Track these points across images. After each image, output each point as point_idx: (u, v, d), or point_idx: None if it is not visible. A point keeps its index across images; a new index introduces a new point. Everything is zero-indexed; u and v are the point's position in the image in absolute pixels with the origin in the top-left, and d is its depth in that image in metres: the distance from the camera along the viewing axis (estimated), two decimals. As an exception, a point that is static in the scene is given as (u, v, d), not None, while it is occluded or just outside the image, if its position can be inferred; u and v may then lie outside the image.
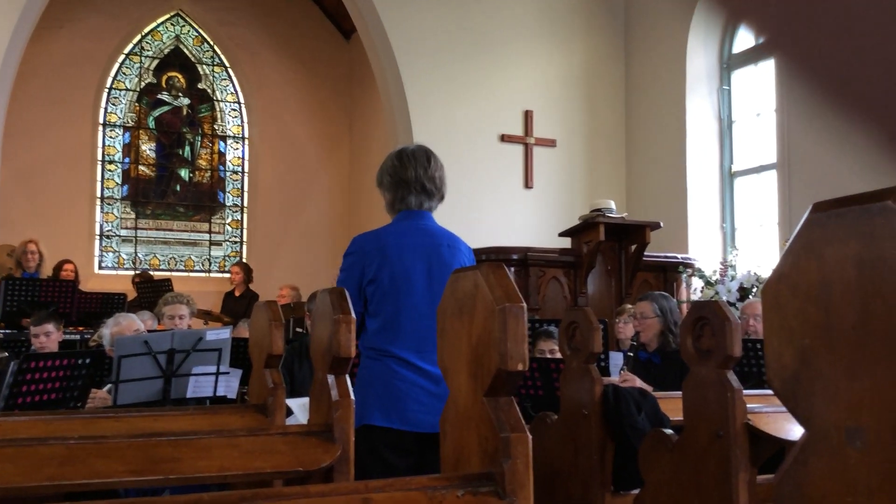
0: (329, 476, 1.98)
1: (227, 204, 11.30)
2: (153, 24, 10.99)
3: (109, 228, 10.71)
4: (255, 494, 1.08)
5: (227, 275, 10.20)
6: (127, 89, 10.88)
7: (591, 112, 8.43)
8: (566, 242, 6.70)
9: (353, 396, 2.10)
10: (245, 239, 11.26)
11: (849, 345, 0.77)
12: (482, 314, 1.31)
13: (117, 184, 10.80)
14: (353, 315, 2.08)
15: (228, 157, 11.32)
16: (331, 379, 2.08)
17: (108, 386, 3.75)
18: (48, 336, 4.45)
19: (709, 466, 2.62)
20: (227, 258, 11.14)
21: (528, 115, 8.17)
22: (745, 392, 2.61)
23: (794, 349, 0.81)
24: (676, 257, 6.82)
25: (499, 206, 7.89)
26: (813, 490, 0.82)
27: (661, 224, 6.48)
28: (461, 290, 1.38)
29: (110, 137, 10.77)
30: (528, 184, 8.13)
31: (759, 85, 7.48)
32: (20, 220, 9.29)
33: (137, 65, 10.93)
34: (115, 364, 3.46)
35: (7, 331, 6.07)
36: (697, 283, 6.77)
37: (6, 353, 3.72)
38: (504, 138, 8.07)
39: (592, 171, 8.37)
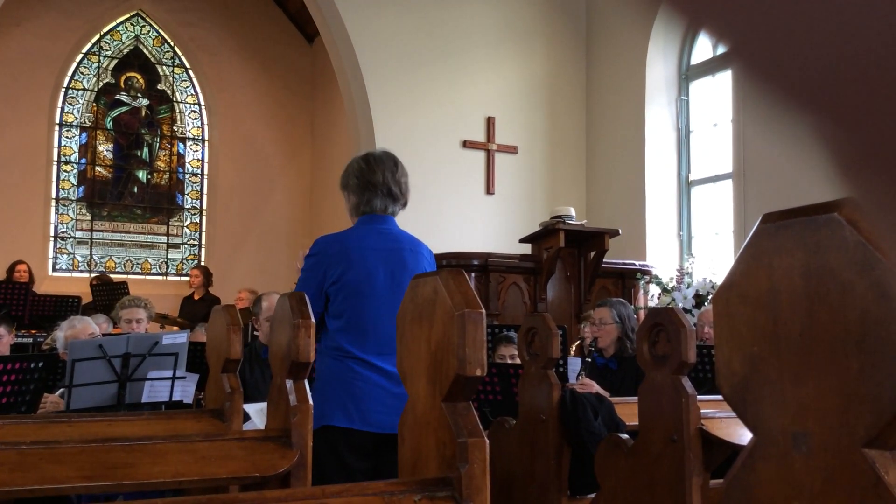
0: (286, 481, 1.97)
1: (186, 206, 11.16)
2: (112, 24, 10.82)
3: (64, 230, 10.50)
4: (210, 500, 1.08)
5: (185, 278, 10.08)
6: (84, 89, 10.69)
7: (553, 119, 8.51)
8: (527, 248, 6.75)
9: (311, 401, 2.10)
10: (203, 242, 11.13)
11: (795, 352, 0.80)
12: (441, 320, 1.32)
13: (73, 185, 10.60)
14: (313, 320, 2.08)
15: (187, 159, 11.19)
16: (289, 384, 2.08)
17: (61, 390, 3.69)
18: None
19: (663, 471, 2.66)
20: (184, 261, 11.00)
21: (490, 122, 8.22)
22: (700, 398, 2.66)
23: (744, 356, 0.84)
24: (634, 264, 6.91)
25: (460, 212, 7.92)
26: (761, 494, 0.84)
27: (620, 231, 6.57)
28: (421, 296, 1.38)
29: (66, 138, 10.57)
30: (489, 190, 8.17)
31: (716, 95, 7.62)
32: (-29, 221, 9.08)
33: (95, 64, 10.75)
34: (69, 368, 3.40)
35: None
36: (655, 289, 6.86)
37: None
38: (466, 144, 8.10)
39: (553, 177, 8.45)
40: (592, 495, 2.96)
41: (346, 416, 2.51)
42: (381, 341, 2.56)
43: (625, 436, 2.82)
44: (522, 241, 6.72)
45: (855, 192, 0.33)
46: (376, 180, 2.70)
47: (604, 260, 6.52)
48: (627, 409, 3.34)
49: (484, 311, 1.31)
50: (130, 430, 2.27)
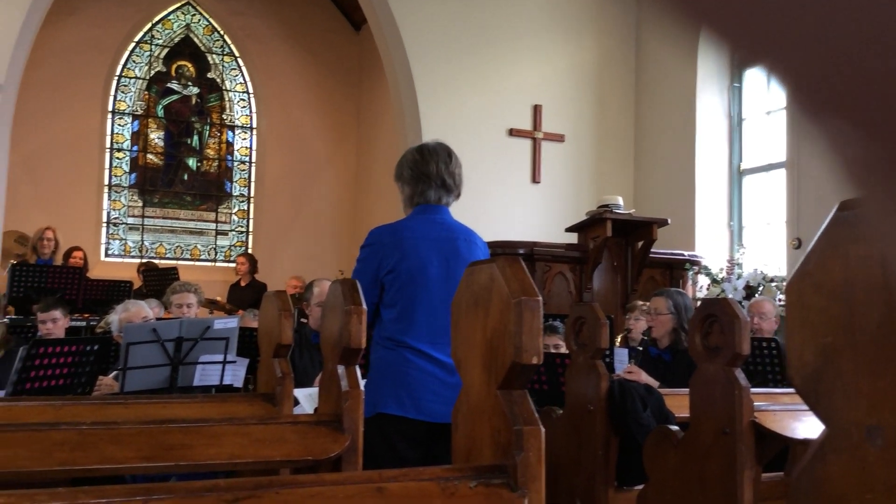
0: (337, 466, 1.99)
1: (234, 194, 11.30)
2: (164, 13, 10.98)
3: (116, 216, 10.73)
4: (270, 482, 1.09)
5: (233, 264, 10.22)
6: (136, 77, 10.88)
7: (601, 107, 8.42)
8: (572, 238, 6.70)
9: (362, 387, 2.11)
10: (251, 229, 11.28)
11: (871, 343, 0.77)
12: (497, 307, 1.32)
13: (125, 172, 10.81)
14: (365, 306, 2.08)
15: (236, 146, 11.33)
16: (341, 369, 2.09)
17: (115, 372, 3.77)
18: (55, 322, 4.46)
19: (714, 463, 2.62)
20: (232, 248, 11.16)
21: (536, 110, 8.16)
22: (752, 390, 2.61)
23: (817, 347, 0.82)
24: (683, 254, 6.81)
25: (506, 201, 7.88)
26: (831, 487, 0.82)
27: (669, 221, 6.47)
28: (476, 283, 1.38)
29: (119, 125, 10.78)
30: (535, 178, 8.12)
31: (770, 83, 7.45)
32: (28, 207, 9.31)
33: (147, 53, 10.93)
34: (124, 351, 3.47)
35: (14, 316, 6.08)
36: (704, 280, 6.77)
37: (6, 319, 3.73)
38: (512, 132, 8.06)
39: (600, 166, 8.36)
40: (640, 486, 2.94)
41: (399, 404, 2.52)
42: (434, 331, 2.56)
43: (674, 427, 2.79)
44: (569, 230, 6.67)
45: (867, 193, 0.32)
46: (430, 171, 2.71)
47: (652, 250, 6.43)
48: (677, 401, 3.31)
49: (541, 298, 1.30)
50: (185, 412, 2.31)
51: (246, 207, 11.32)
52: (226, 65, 11.28)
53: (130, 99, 10.85)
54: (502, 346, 1.30)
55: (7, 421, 2.11)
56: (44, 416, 2.22)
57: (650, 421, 3.08)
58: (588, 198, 7.82)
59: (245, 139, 11.35)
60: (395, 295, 2.62)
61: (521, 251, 6.24)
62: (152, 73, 10.96)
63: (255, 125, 11.33)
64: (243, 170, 11.34)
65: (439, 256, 2.65)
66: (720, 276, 6.62)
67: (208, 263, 11.03)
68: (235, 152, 11.32)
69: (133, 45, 10.82)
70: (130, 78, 10.84)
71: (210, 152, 11.25)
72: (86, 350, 3.45)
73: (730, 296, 6.22)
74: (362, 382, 2.13)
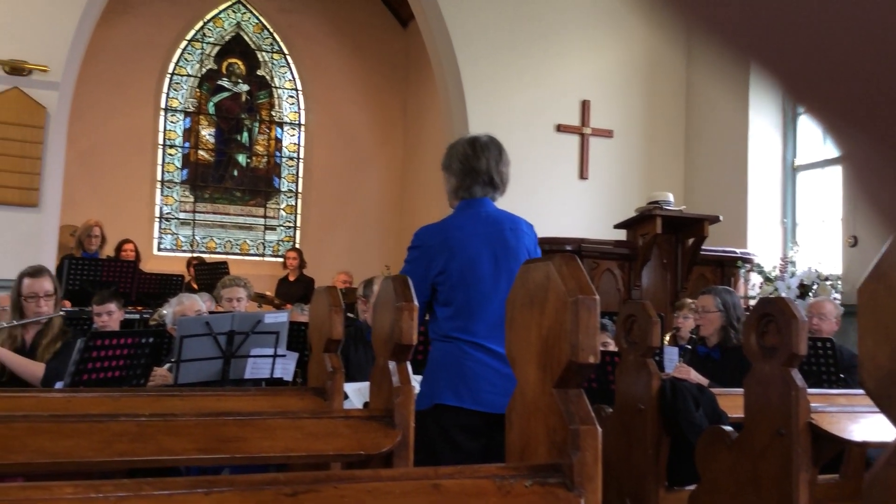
0: (389, 461, 2.00)
1: (283, 189, 11.43)
2: (215, 11, 11.15)
3: (169, 211, 10.93)
4: (328, 476, 1.10)
5: (280, 259, 10.34)
6: (188, 75, 11.06)
7: (651, 102, 8.31)
8: (621, 234, 6.63)
9: (414, 383, 2.12)
10: (299, 224, 11.39)
11: (949, 347, 0.75)
12: (553, 305, 1.31)
13: (177, 168, 11.01)
14: (416, 303, 2.09)
15: (284, 143, 11.45)
16: (392, 365, 2.10)
17: (168, 364, 3.84)
18: (110, 315, 4.55)
19: (769, 465, 2.58)
20: (280, 243, 11.29)
21: (585, 105, 8.09)
22: (809, 391, 2.56)
23: (892, 350, 0.79)
24: (735, 252, 6.69)
25: (553, 197, 7.84)
26: (904, 494, 0.79)
27: (721, 218, 6.36)
28: (532, 281, 1.37)
29: (171, 122, 10.98)
30: (583, 174, 8.06)
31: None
32: (83, 202, 9.52)
33: (199, 51, 11.11)
34: (178, 343, 3.53)
35: (69, 309, 6.23)
36: (756, 278, 6.65)
37: (62, 312, 3.82)
38: (560, 128, 8.00)
39: (650, 162, 8.26)
40: (691, 487, 2.90)
41: (457, 395, 2.52)
42: (489, 323, 2.56)
43: (728, 428, 2.75)
44: (617, 226, 6.61)
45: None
46: (480, 167, 2.69)
47: (702, 247, 6.34)
48: (730, 401, 3.26)
49: (598, 297, 1.29)
50: (239, 404, 2.35)
51: (294, 203, 11.44)
52: (275, 62, 11.41)
53: (182, 96, 11.03)
54: (558, 344, 1.29)
55: (67, 412, 2.17)
56: (102, 408, 2.27)
57: (703, 421, 3.04)
58: (637, 194, 7.73)
59: (293, 135, 11.47)
60: (449, 294, 2.62)
61: (569, 248, 6.20)
62: (204, 70, 11.13)
63: (303, 121, 11.44)
64: (291, 166, 11.47)
65: (488, 251, 2.64)
66: (773, 274, 6.50)
67: (257, 258, 11.18)
68: (284, 148, 11.44)
69: (185, 43, 11.00)
70: (182, 76, 11.02)
71: (259, 148, 11.39)
72: (141, 342, 3.52)
73: (783, 294, 6.10)
74: (414, 378, 2.14)
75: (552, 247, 6.03)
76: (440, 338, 2.64)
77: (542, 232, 6.36)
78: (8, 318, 3.79)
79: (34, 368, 3.54)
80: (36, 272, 3.75)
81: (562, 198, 7.88)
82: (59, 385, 3.32)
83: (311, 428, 1.91)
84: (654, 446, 3.13)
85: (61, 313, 3.81)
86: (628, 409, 3.19)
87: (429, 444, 2.38)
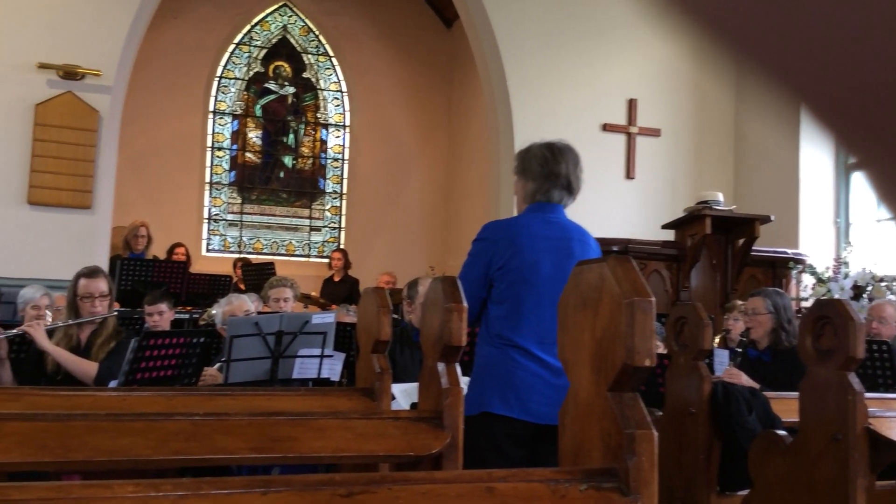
0: (438, 463, 2.00)
1: (327, 190, 11.53)
2: (262, 15, 11.28)
3: (217, 213, 11.10)
4: (383, 477, 1.10)
5: (325, 260, 10.42)
6: (236, 78, 11.22)
7: (699, 101, 8.19)
8: (669, 235, 6.55)
9: (462, 385, 2.11)
10: (343, 225, 11.48)
11: None
12: (608, 307, 1.29)
13: (225, 170, 11.17)
14: (465, 304, 2.08)
15: (329, 144, 11.54)
16: (441, 367, 2.10)
17: (218, 364, 3.89)
18: (161, 315, 4.62)
19: (824, 470, 2.52)
20: (325, 244, 11.38)
21: (631, 104, 8.01)
22: (866, 395, 2.50)
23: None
24: (786, 252, 6.56)
25: (599, 197, 7.76)
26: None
27: (773, 218, 6.24)
28: (585, 283, 1.35)
29: (219, 125, 11.15)
30: (629, 174, 7.97)
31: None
32: (134, 204, 9.71)
33: (246, 54, 11.26)
34: (228, 343, 3.58)
35: (121, 309, 6.35)
36: (808, 279, 6.51)
37: (115, 312, 3.89)
38: (606, 127, 7.93)
39: (698, 161, 8.14)
40: (743, 492, 2.85)
41: (506, 404, 2.51)
42: (543, 331, 2.53)
43: (782, 432, 2.69)
44: (665, 226, 6.52)
45: None
46: (559, 171, 2.68)
47: (753, 248, 6.23)
48: (783, 405, 3.20)
49: (654, 299, 1.27)
50: (289, 404, 2.37)
51: (339, 204, 11.52)
52: (320, 64, 11.51)
53: (230, 99, 11.19)
54: (613, 347, 1.27)
55: (122, 410, 2.21)
56: (156, 406, 2.31)
57: (755, 425, 2.98)
58: (684, 194, 7.63)
59: (338, 137, 11.56)
60: (504, 292, 2.59)
61: (615, 248, 6.13)
62: (251, 73, 11.28)
63: (348, 123, 11.52)
64: (336, 167, 11.55)
65: (552, 256, 2.61)
66: (826, 275, 6.35)
67: (302, 259, 11.29)
68: (329, 150, 11.54)
69: (233, 46, 11.15)
70: (230, 79, 11.18)
71: (305, 150, 11.51)
72: (193, 342, 3.57)
73: (836, 295, 5.97)
74: (463, 380, 2.13)
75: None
76: (490, 341, 2.62)
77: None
78: (64, 317, 3.88)
79: (87, 367, 3.61)
80: (92, 273, 3.83)
81: (608, 198, 7.80)
82: (112, 384, 3.39)
83: (362, 428, 1.91)
84: (706, 450, 3.08)
85: (114, 313, 3.88)
86: (679, 412, 3.14)
87: (475, 450, 2.37)
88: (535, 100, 7.79)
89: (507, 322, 2.58)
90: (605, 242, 6.16)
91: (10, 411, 1.91)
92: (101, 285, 3.79)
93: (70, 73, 6.84)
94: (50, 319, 4.15)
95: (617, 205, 7.80)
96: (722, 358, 4.36)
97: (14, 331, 3.59)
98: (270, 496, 1.04)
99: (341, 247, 10.61)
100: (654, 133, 8.04)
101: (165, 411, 2.12)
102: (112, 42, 6.96)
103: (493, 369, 2.57)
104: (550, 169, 2.68)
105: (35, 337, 3.59)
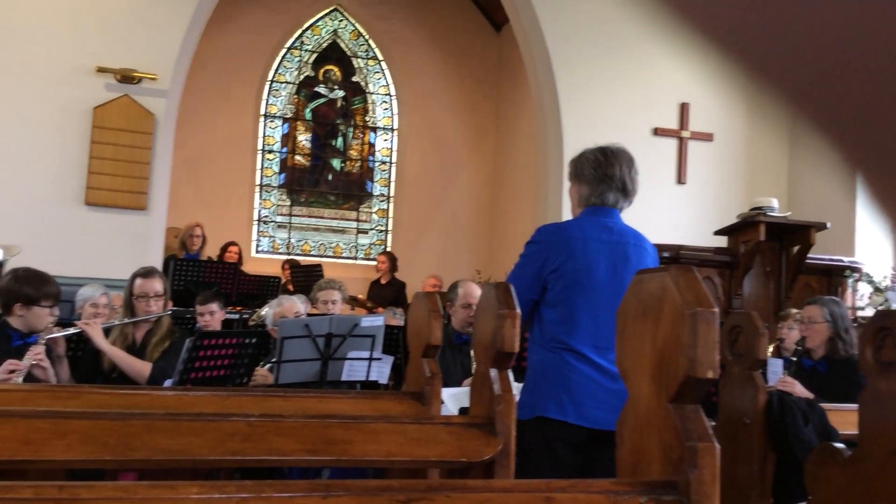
0: (490, 469, 1.99)
1: (375, 193, 11.60)
2: (313, 19, 11.42)
3: (266, 214, 11.24)
4: (442, 485, 1.10)
5: (373, 262, 10.48)
6: (287, 82, 11.36)
7: (753, 104, 8.04)
8: (721, 241, 6.44)
9: (515, 391, 2.10)
10: (390, 228, 11.53)
11: None
12: (669, 317, 1.27)
13: (275, 172, 11.32)
14: (518, 310, 2.07)
15: (377, 147, 11.62)
16: (493, 373, 2.09)
17: (269, 364, 3.94)
18: (213, 315, 4.69)
19: (885, 485, 2.45)
20: (372, 246, 11.45)
21: (683, 108, 7.91)
22: (931, 409, 2.42)
23: None
24: (843, 260, 6.41)
25: (650, 202, 7.65)
26: None
27: (829, 225, 6.10)
28: (646, 292, 1.34)
29: (270, 128, 11.30)
30: (681, 179, 7.87)
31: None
32: (187, 205, 9.88)
33: (297, 58, 11.40)
34: (279, 345, 3.62)
35: (174, 308, 6.45)
36: (865, 288, 6.35)
37: (169, 311, 3.96)
38: (657, 132, 7.84)
39: (752, 166, 8.00)
40: (799, 505, 2.79)
41: (561, 409, 2.49)
42: (598, 335, 2.51)
43: (840, 445, 2.63)
44: (718, 233, 6.42)
45: None
46: (613, 174, 2.65)
47: (808, 255, 6.09)
48: (840, 417, 3.12)
49: (717, 310, 1.24)
50: (340, 407, 2.38)
51: (386, 207, 11.59)
52: (370, 68, 11.60)
53: (281, 103, 11.34)
54: (674, 358, 1.25)
55: (179, 410, 2.24)
56: (211, 406, 2.34)
57: (812, 437, 2.92)
58: (737, 200, 7.50)
59: (386, 140, 11.63)
60: (558, 295, 2.57)
61: (666, 254, 6.06)
62: (301, 77, 11.41)
63: (396, 126, 11.58)
64: (384, 170, 11.62)
65: (607, 260, 2.59)
66: (883, 284, 6.19)
67: (349, 261, 11.37)
68: (377, 153, 11.61)
69: (284, 51, 11.30)
70: (281, 83, 11.33)
71: (353, 153, 11.60)
72: (245, 343, 3.62)
73: (894, 306, 5.81)
74: (515, 385, 2.12)
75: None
76: (544, 345, 2.60)
77: (637, 238, 6.25)
78: (120, 316, 3.96)
79: (141, 367, 3.68)
80: (148, 273, 3.91)
81: (659, 203, 7.70)
82: (167, 383, 3.45)
83: (413, 433, 1.91)
84: (760, 462, 3.02)
85: (169, 312, 3.95)
86: (733, 422, 3.09)
87: (528, 455, 2.36)
88: (585, 105, 7.73)
89: (562, 326, 2.55)
90: (656, 249, 6.09)
91: (72, 409, 1.96)
92: (157, 285, 3.86)
93: (127, 77, 6.99)
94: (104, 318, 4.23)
95: (668, 210, 7.70)
96: (776, 367, 4.28)
97: (71, 329, 3.66)
98: (331, 500, 1.04)
99: (388, 249, 10.66)
100: (707, 137, 7.92)
101: (221, 411, 2.15)
102: (168, 47, 7.10)
103: (548, 373, 2.55)
104: (604, 171, 2.65)
105: (92, 335, 3.66)
